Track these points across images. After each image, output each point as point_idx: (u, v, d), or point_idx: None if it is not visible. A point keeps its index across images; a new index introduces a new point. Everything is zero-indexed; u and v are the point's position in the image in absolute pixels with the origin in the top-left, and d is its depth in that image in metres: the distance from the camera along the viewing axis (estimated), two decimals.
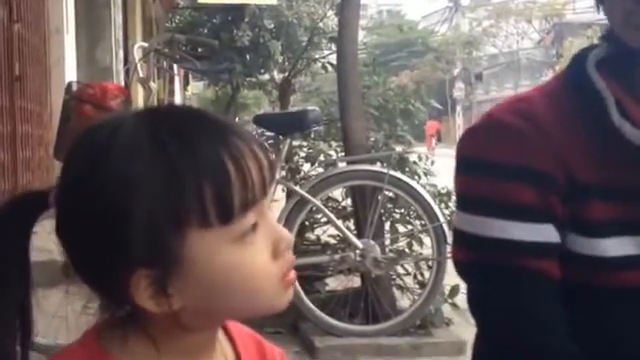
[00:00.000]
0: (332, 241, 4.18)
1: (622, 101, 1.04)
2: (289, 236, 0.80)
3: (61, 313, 3.29)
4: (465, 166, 1.09)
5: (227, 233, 0.75)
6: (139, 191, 0.73)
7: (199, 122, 0.77)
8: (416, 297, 3.84)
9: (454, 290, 3.94)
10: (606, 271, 1.03)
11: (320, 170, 4.23)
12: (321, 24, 11.59)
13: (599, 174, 1.05)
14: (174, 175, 0.73)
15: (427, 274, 3.87)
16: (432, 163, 4.56)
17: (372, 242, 3.68)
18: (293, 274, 0.80)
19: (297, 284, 3.64)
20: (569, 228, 1.04)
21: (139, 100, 5.72)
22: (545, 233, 1.03)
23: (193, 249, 0.74)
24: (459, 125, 37.37)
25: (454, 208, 4.17)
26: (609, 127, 1.04)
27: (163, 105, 0.83)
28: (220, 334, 0.86)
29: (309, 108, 4.01)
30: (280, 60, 12.24)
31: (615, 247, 1.03)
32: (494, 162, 1.05)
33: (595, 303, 1.05)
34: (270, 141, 3.86)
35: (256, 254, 0.77)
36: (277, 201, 4.06)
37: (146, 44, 4.18)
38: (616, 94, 1.05)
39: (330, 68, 10.26)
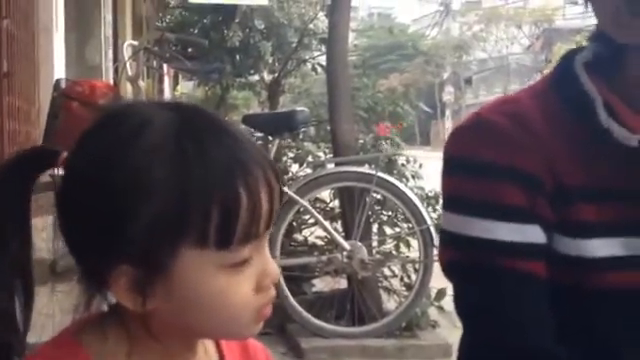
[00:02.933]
0: (319, 242, 4.19)
1: (610, 101, 1.04)
2: (276, 273, 0.80)
3: (47, 311, 3.27)
4: (451, 166, 1.10)
5: (220, 259, 0.75)
6: (151, 194, 0.73)
7: (223, 138, 0.76)
8: (402, 299, 3.85)
9: (440, 293, 3.95)
10: (594, 272, 1.04)
11: (308, 171, 4.23)
12: (311, 25, 11.59)
13: (586, 175, 1.05)
14: (187, 189, 0.73)
15: (414, 276, 3.88)
16: (420, 166, 4.57)
17: (359, 244, 3.68)
18: (269, 309, 0.80)
19: (284, 285, 3.64)
20: (556, 229, 1.04)
21: (128, 98, 5.70)
22: (531, 234, 1.03)
23: (183, 264, 0.74)
24: (448, 128, 37.44)
25: (441, 211, 4.19)
26: (597, 128, 1.04)
27: (192, 106, 0.82)
28: None
29: (298, 109, 4.02)
30: (270, 61, 12.21)
31: (602, 248, 1.03)
32: (480, 162, 1.05)
33: (583, 304, 1.05)
34: (259, 142, 3.86)
35: (241, 284, 0.77)
36: None
37: (136, 42, 4.17)
38: (604, 95, 1.05)
39: (320, 69, 10.27)
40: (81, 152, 0.78)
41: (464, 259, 1.06)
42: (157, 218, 0.73)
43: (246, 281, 0.77)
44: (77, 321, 0.81)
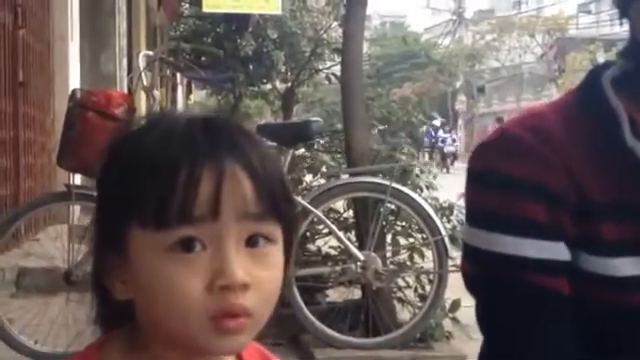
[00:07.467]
0: (333, 252, 4.17)
1: (636, 120, 1.04)
2: (233, 277, 0.73)
3: (62, 320, 3.28)
4: (476, 181, 1.09)
5: (161, 239, 0.74)
6: (119, 173, 0.78)
7: (215, 133, 0.77)
8: (417, 310, 3.83)
9: (455, 304, 3.93)
10: (617, 291, 1.03)
11: (322, 181, 4.22)
12: (325, 35, 11.62)
13: (610, 193, 1.04)
14: (135, 170, 0.76)
15: (428, 287, 3.86)
16: (434, 177, 4.55)
17: (373, 254, 3.67)
18: (232, 323, 0.74)
19: (297, 295, 3.63)
20: (580, 246, 1.03)
21: (142, 108, 5.73)
22: (554, 250, 1.03)
23: (132, 244, 0.76)
24: (460, 138, 37.38)
25: (456, 222, 4.18)
26: (621, 146, 1.03)
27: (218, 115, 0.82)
28: None
29: (312, 119, 4.01)
30: (283, 70, 12.26)
31: (625, 267, 1.02)
32: (505, 177, 1.04)
33: (607, 323, 1.04)
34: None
35: (188, 275, 0.73)
36: None
37: (151, 53, 4.18)
38: (630, 113, 1.04)
39: (333, 79, 10.28)
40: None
41: (487, 274, 1.06)
42: (117, 196, 0.77)
43: (195, 274, 0.73)
44: (103, 336, 0.81)
